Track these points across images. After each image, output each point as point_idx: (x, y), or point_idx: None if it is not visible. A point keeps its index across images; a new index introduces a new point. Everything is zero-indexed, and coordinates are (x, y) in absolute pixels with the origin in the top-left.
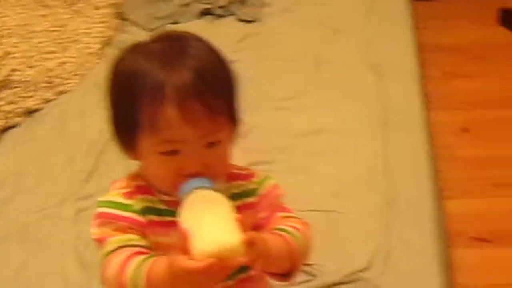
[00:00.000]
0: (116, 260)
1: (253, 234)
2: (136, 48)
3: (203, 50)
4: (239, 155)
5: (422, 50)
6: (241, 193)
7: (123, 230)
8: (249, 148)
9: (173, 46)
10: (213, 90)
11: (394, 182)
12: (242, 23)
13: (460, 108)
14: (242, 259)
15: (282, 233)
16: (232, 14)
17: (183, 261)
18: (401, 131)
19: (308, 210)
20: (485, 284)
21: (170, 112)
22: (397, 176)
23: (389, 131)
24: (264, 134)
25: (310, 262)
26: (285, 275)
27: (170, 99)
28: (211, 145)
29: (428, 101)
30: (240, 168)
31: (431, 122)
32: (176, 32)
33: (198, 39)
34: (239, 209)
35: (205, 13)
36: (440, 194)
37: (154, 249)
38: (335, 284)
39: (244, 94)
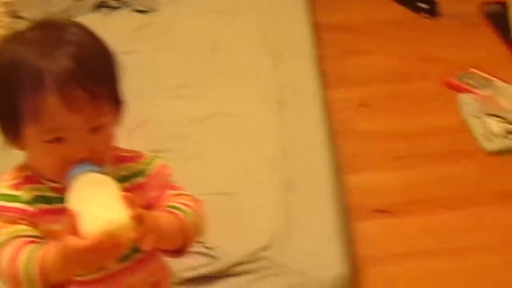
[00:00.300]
0: (8, 251)
1: (141, 210)
2: (14, 38)
3: (82, 36)
4: (136, 144)
5: (319, 30)
6: (130, 174)
7: (13, 222)
8: (146, 137)
9: (51, 33)
10: (94, 75)
11: (293, 161)
12: (137, 13)
13: (358, 85)
14: (131, 235)
15: (173, 210)
16: (128, 5)
17: (72, 241)
18: (298, 110)
19: (208, 194)
20: (387, 254)
21: (52, 100)
22: (295, 155)
23: (286, 111)
24: (161, 122)
25: (211, 245)
26: (178, 252)
27: (51, 88)
28: (95, 130)
29: (326, 79)
30: (127, 151)
31: (330, 99)
32: (55, 19)
33: (77, 26)
34: (128, 190)
35: (100, 5)
36: (340, 169)
37: (45, 237)
38: (236, 265)
39: (140, 84)
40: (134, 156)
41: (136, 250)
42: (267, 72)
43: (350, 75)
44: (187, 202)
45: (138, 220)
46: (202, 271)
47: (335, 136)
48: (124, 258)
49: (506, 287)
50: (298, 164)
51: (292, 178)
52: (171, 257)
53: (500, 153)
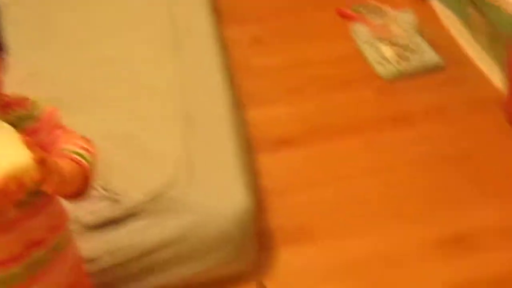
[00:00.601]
0: None
1: (42, 152)
2: None
3: None
4: (30, 93)
5: None
6: (19, 120)
7: None
8: (40, 86)
9: None
10: None
11: (191, 99)
12: None
13: (251, 20)
14: (35, 177)
15: (71, 154)
16: None
17: None
18: (194, 49)
19: (107, 137)
20: (290, 185)
21: None
22: (193, 93)
23: (182, 50)
24: (55, 70)
25: (113, 189)
26: (77, 194)
27: None
28: None
29: (220, 16)
30: (15, 96)
31: (225, 36)
32: None
33: None
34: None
35: None
36: (239, 105)
37: None
38: (139, 206)
39: (31, 34)
40: (22, 102)
41: (34, 194)
42: (160, 12)
43: (244, 11)
44: (82, 144)
45: (40, 162)
46: (105, 214)
47: (231, 72)
48: (23, 203)
49: (404, 203)
50: (197, 102)
51: (191, 116)
52: (71, 200)
53: (394, 78)
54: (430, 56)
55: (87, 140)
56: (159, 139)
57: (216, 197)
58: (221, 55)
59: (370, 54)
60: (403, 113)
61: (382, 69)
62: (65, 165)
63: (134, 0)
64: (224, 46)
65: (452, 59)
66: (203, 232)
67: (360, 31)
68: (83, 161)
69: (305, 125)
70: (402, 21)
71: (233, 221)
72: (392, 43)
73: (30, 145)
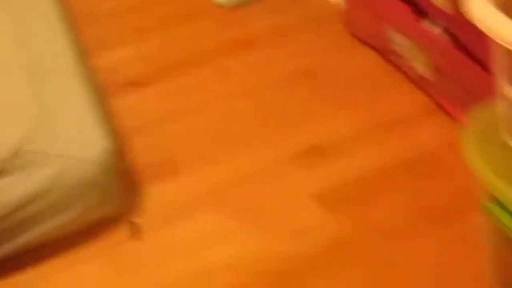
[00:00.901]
0: None
1: None
2: None
3: None
4: None
5: None
6: None
7: None
8: None
9: None
10: None
11: (34, 51)
12: None
13: None
14: None
15: None
16: None
17: None
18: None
19: None
20: (148, 122)
21: None
22: (35, 46)
23: (17, 5)
24: None
25: None
26: None
27: None
28: None
29: None
30: None
31: None
32: None
33: None
34: None
35: None
36: (85, 51)
37: None
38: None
39: None
40: None
41: None
42: None
43: None
44: None
45: None
46: None
47: (74, 20)
48: None
49: (260, 124)
50: (41, 54)
51: (38, 69)
52: None
53: (233, 5)
54: None
55: None
56: (9, 96)
57: (76, 144)
58: (60, 3)
59: None
60: (247, 38)
61: None
62: None
63: None
64: None
65: None
66: (68, 181)
67: None
68: None
69: (155, 64)
70: None
71: (95, 165)
72: None
73: None
